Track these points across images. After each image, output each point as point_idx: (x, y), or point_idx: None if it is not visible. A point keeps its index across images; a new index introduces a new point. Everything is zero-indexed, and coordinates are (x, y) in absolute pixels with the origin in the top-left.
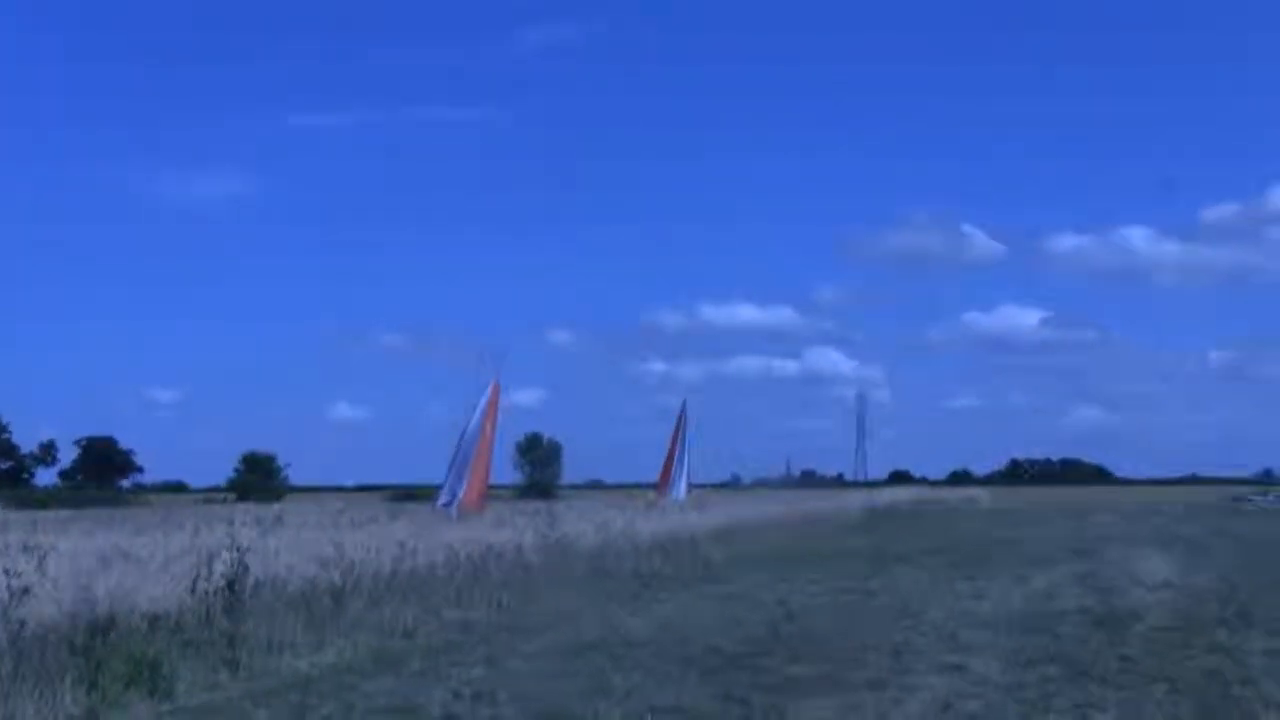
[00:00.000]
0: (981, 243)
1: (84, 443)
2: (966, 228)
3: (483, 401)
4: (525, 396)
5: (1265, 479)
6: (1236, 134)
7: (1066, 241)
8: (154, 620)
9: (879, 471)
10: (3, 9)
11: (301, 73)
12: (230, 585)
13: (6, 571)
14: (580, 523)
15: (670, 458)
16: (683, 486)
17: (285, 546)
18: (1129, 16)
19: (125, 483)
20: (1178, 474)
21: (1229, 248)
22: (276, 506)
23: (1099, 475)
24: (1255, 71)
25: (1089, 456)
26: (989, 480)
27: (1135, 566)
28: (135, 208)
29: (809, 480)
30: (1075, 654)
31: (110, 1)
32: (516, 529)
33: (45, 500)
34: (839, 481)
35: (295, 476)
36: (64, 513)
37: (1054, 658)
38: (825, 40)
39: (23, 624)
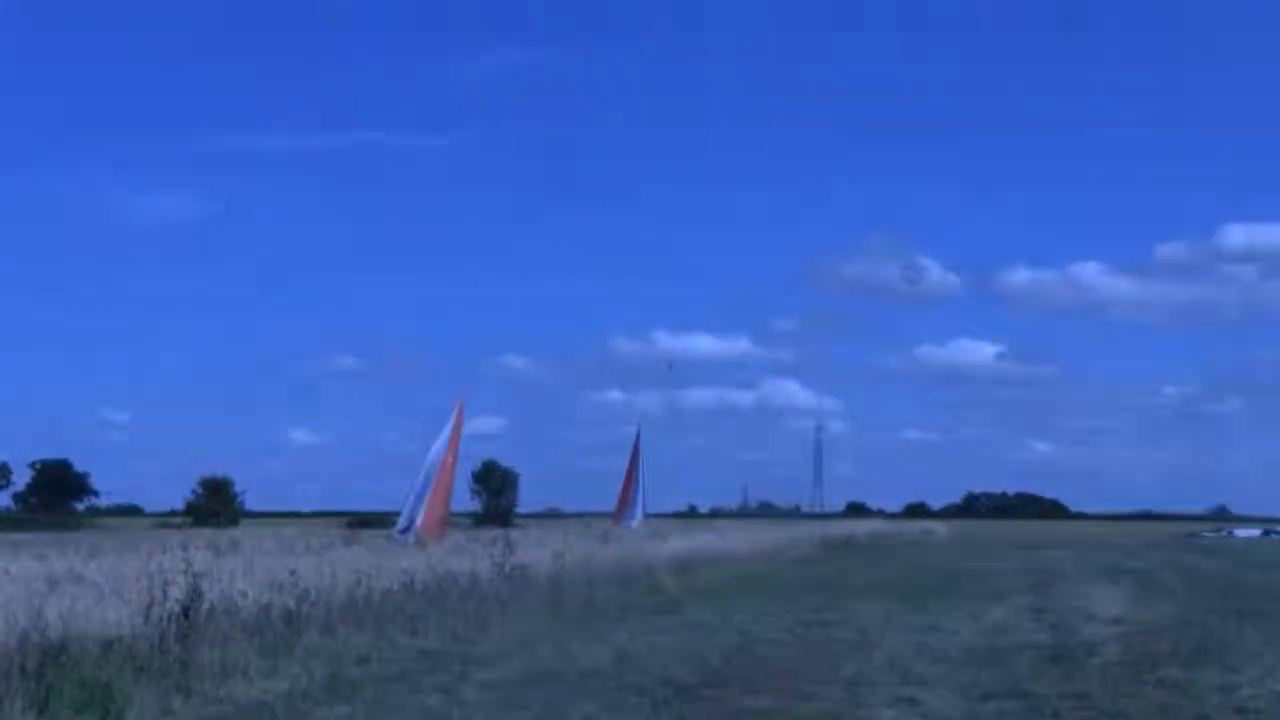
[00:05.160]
0: (937, 275)
1: (38, 465)
2: (922, 260)
3: (446, 429)
4: (482, 424)
5: (1218, 515)
6: (1189, 170)
7: (1021, 275)
8: (107, 645)
9: (836, 503)
10: None
11: (256, 93)
12: (185, 611)
13: None
14: (537, 551)
15: (626, 486)
16: (639, 515)
17: (240, 572)
18: (1085, 51)
19: (80, 506)
20: (1132, 508)
21: (1183, 284)
22: (232, 531)
23: (1054, 509)
24: (1208, 107)
25: (1044, 490)
26: (945, 513)
27: (1089, 601)
28: (89, 226)
29: (766, 511)
30: (1029, 688)
31: (54, 12)
32: (473, 557)
33: None
34: (796, 513)
35: (251, 502)
36: (16, 536)
37: (1008, 692)
38: (786, 69)
39: None
